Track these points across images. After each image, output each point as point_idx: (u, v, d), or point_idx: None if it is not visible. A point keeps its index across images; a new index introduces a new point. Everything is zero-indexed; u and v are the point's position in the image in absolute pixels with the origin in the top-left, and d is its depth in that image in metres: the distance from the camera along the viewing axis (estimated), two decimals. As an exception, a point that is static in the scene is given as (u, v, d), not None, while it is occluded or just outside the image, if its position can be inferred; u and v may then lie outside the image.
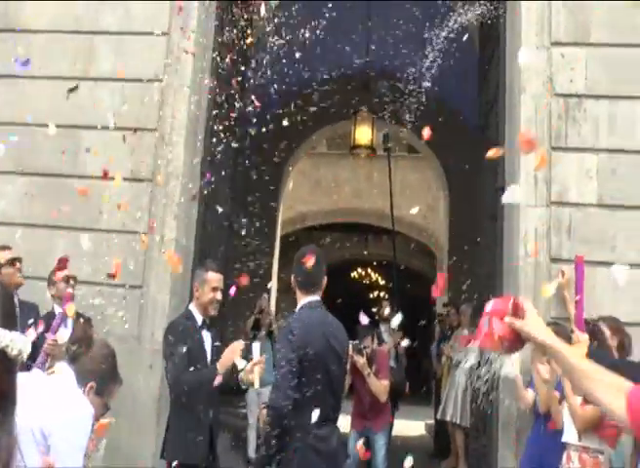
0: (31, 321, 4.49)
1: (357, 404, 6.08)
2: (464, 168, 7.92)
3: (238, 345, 3.76)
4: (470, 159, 6.85)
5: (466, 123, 7.24)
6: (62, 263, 4.90)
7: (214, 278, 4.04)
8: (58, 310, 4.82)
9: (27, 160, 5.44)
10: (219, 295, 4.02)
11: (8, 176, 5.46)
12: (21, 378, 2.40)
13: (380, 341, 7.82)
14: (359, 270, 18.19)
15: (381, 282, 17.82)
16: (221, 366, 3.68)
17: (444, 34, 7.23)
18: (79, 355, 2.61)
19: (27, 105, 5.48)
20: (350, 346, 5.59)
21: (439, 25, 7.04)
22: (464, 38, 7.14)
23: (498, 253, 5.23)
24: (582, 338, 3.72)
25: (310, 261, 3.30)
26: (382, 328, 8.11)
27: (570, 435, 3.75)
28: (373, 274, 18.22)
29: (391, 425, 7.44)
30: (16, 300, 4.50)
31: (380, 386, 5.75)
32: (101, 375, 2.60)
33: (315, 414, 3.02)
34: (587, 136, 5.06)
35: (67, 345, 2.84)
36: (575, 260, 4.53)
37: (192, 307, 4.09)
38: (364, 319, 5.19)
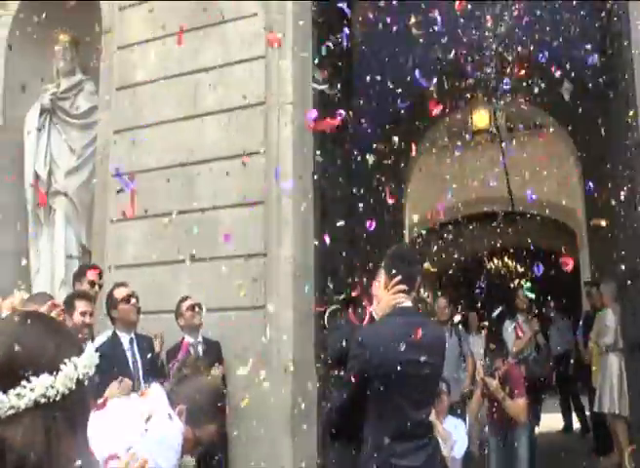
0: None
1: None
2: (594, 131, 7.24)
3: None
4: (598, 121, 6.26)
5: (588, 84, 6.62)
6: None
7: None
8: (187, 339, 5.12)
9: (148, 204, 5.65)
10: None
11: (133, 222, 5.71)
12: (114, 403, 2.36)
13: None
14: (495, 260, 17.56)
15: (520, 269, 17.01)
16: None
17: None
18: (183, 378, 2.54)
19: (143, 152, 5.77)
20: (481, 368, 5.41)
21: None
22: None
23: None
24: None
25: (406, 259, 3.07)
26: (520, 318, 7.55)
27: None
28: (510, 262, 17.49)
29: (536, 420, 6.84)
30: (132, 335, 4.60)
31: (517, 407, 5.35)
32: (195, 406, 2.43)
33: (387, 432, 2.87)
34: None
35: (178, 367, 2.72)
36: None
37: None
38: None
